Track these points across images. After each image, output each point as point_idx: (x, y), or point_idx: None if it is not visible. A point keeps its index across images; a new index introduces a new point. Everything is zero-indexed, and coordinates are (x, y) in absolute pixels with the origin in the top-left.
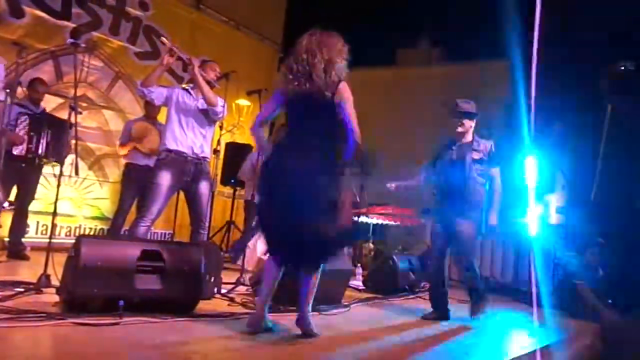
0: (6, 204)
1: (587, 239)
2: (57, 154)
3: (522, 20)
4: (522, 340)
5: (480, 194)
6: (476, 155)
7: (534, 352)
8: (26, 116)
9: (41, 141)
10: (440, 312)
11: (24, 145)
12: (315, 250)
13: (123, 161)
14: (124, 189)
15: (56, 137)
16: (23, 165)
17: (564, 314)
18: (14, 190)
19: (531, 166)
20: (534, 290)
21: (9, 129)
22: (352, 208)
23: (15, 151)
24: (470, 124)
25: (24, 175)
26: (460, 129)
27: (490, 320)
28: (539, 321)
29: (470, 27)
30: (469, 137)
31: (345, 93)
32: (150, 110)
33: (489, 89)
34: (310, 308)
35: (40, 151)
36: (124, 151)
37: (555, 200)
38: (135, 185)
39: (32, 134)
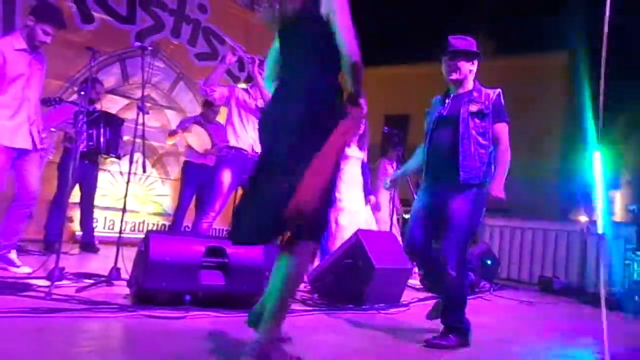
0: None
1: None
2: (114, 150)
3: (584, 8)
4: (590, 347)
5: (480, 159)
6: (474, 107)
7: None
8: (83, 114)
9: (101, 138)
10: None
11: (85, 142)
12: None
13: (182, 159)
14: (183, 186)
15: (113, 133)
16: (85, 162)
17: (636, 318)
18: (77, 188)
19: (598, 161)
20: (603, 292)
21: (67, 127)
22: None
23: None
24: (468, 67)
25: (86, 172)
26: (455, 75)
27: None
28: (609, 327)
29: (528, 16)
30: (468, 85)
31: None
32: (207, 111)
33: (550, 81)
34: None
35: (101, 147)
36: (171, 140)
37: (620, 197)
38: (193, 183)
39: (90, 131)
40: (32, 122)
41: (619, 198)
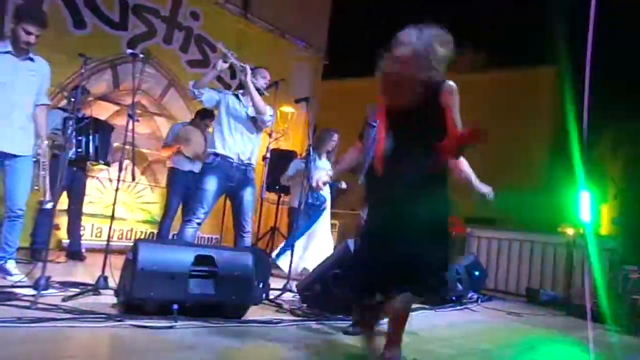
0: (49, 205)
1: None
2: (104, 156)
3: (572, 23)
4: (576, 357)
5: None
6: None
7: None
8: (72, 120)
9: (90, 145)
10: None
11: (73, 149)
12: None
13: (168, 165)
14: (170, 193)
15: (102, 140)
16: (74, 168)
17: (622, 331)
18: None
19: (583, 174)
20: (588, 304)
21: (56, 133)
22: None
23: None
24: None
25: (74, 179)
26: None
27: (543, 337)
28: (595, 339)
29: (516, 30)
30: None
31: (447, 96)
32: (199, 123)
33: (538, 96)
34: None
35: (90, 154)
36: (166, 153)
37: (606, 210)
38: (180, 190)
39: (80, 137)
40: (20, 127)
41: (605, 211)
